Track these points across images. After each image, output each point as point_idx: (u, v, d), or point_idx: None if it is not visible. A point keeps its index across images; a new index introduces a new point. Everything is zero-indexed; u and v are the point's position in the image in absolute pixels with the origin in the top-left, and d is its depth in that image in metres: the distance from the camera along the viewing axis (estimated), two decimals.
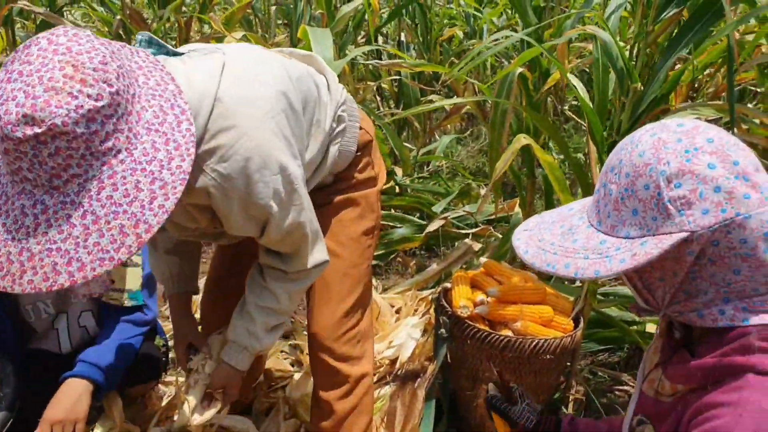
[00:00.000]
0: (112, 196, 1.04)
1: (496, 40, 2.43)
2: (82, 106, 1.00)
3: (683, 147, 0.81)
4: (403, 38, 4.78)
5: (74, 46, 1.03)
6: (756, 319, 0.80)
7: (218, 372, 1.57)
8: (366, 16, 3.69)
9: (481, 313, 2.03)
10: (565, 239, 0.91)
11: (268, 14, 4.89)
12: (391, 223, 3.46)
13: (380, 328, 2.45)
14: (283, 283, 1.51)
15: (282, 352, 2.45)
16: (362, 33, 4.73)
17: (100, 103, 1.02)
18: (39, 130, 0.97)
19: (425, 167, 4.63)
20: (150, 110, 1.11)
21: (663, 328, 0.98)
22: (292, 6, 3.68)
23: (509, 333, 1.98)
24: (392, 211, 3.62)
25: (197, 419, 1.54)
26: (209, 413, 1.56)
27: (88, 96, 1.00)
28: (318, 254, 1.50)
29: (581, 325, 2.04)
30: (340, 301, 1.67)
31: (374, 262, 2.81)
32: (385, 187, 1.86)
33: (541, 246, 0.92)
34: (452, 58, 5.21)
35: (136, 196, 1.05)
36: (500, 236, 3.26)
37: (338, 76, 1.75)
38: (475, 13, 5.37)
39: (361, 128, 1.64)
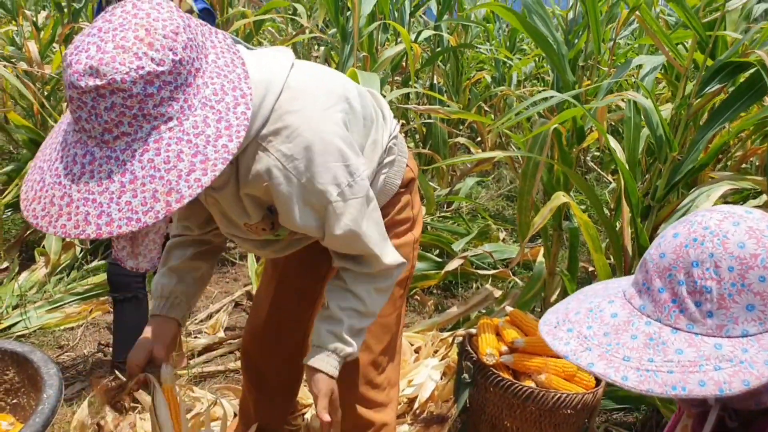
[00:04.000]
0: (153, 160, 1.07)
1: (546, 98, 2.48)
2: (143, 67, 1.04)
3: None
4: (435, 81, 4.88)
5: (154, 13, 1.08)
6: None
7: (315, 381, 1.46)
8: (403, 60, 3.79)
9: (506, 362, 2.07)
10: (660, 351, 0.80)
11: (308, 52, 5.00)
12: None
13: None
14: (365, 284, 1.47)
15: (303, 380, 2.48)
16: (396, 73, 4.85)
17: (161, 68, 1.05)
18: (99, 83, 1.03)
19: (445, 206, 4.70)
20: (211, 87, 1.14)
21: (698, 414, 0.94)
22: (338, 46, 3.79)
23: (532, 384, 2.02)
24: None
25: None
26: None
27: (152, 59, 1.05)
28: (394, 254, 1.48)
29: (603, 382, 2.07)
30: (367, 349, 1.66)
31: None
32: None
33: (635, 366, 0.80)
34: (480, 103, 5.31)
35: (175, 164, 1.07)
36: (520, 282, 3.31)
37: None
38: (505, 59, 5.49)
39: (407, 165, 1.65)
